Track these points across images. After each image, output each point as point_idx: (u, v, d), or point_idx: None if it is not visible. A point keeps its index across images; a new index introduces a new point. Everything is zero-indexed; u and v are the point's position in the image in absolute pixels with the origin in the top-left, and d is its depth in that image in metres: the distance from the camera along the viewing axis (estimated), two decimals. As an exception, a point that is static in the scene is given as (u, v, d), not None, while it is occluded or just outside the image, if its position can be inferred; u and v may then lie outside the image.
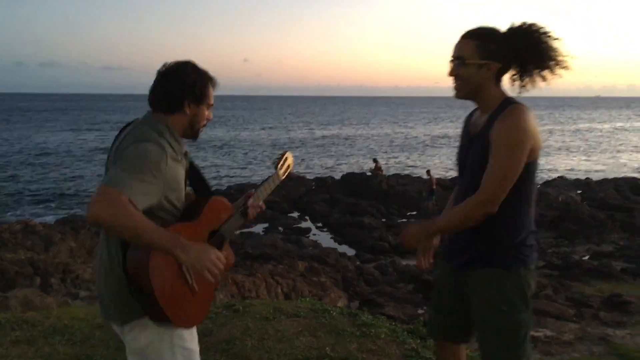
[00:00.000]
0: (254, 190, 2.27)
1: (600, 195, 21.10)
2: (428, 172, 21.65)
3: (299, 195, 21.96)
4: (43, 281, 9.67)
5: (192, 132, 2.04)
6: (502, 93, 2.11)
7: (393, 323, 3.99)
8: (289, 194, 21.93)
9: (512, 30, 2.06)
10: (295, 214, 20.14)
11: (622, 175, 28.70)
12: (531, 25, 2.05)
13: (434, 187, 20.43)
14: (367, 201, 20.24)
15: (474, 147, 2.11)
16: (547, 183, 25.21)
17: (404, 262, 13.44)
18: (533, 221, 2.15)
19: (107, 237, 1.93)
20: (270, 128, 68.55)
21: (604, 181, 24.94)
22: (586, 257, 14.04)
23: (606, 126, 76.99)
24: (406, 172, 29.31)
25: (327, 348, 3.41)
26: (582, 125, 78.01)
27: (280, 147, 43.06)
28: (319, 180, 24.56)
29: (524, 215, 2.11)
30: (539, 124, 2.04)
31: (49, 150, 40.79)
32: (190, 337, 2.02)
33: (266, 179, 2.32)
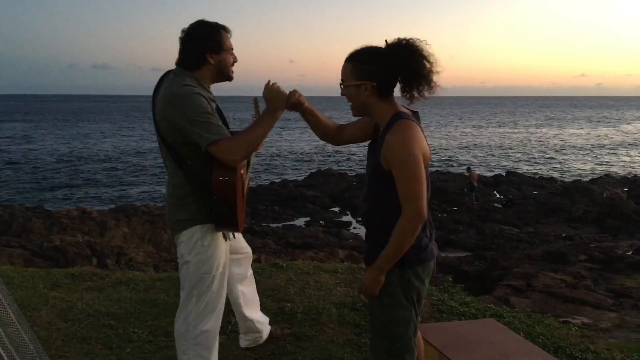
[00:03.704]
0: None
1: (648, 193, 20.72)
2: (469, 169, 21.70)
3: (340, 190, 22.32)
4: (99, 262, 10.35)
5: (224, 76, 2.50)
6: (392, 107, 2.15)
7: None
8: (330, 190, 22.32)
9: (391, 49, 2.11)
10: (337, 209, 20.50)
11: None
12: (409, 45, 2.10)
13: (475, 183, 20.47)
14: (407, 196, 20.41)
15: (370, 158, 2.20)
16: (593, 180, 24.83)
17: (442, 254, 13.65)
18: (427, 225, 2.17)
19: (175, 173, 2.45)
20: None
21: (653, 179, 24.40)
22: (629, 252, 13.88)
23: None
24: (448, 169, 29.35)
25: (362, 296, 3.77)
26: (634, 124, 75.77)
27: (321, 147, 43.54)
28: (360, 177, 24.87)
29: None
30: (425, 136, 2.11)
31: (109, 153, 42.57)
32: (209, 265, 2.48)
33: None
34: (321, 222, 18.51)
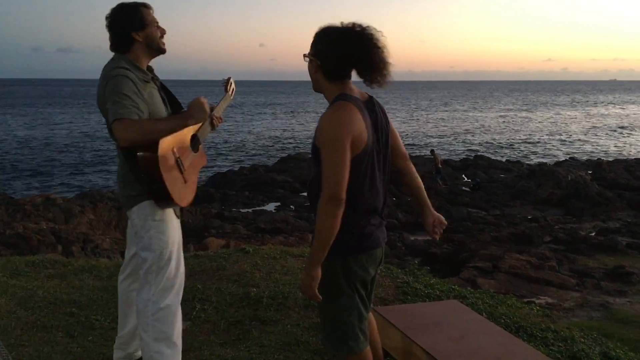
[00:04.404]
0: (215, 104, 2.77)
1: (611, 175, 21.21)
2: (432, 151, 21.87)
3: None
4: (65, 249, 10.16)
5: (155, 50, 2.54)
6: (339, 89, 2.10)
7: (390, 265, 4.35)
8: (300, 174, 22.29)
9: (340, 33, 2.06)
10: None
11: (633, 156, 28.79)
12: (362, 33, 2.05)
13: (439, 165, 20.65)
14: (377, 180, 20.55)
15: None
16: (558, 163, 25.35)
17: (412, 237, 13.80)
18: (368, 212, 2.12)
19: (119, 154, 2.49)
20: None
21: (616, 162, 25.01)
22: (592, 233, 14.23)
23: (618, 110, 76.37)
24: (421, 152, 29.62)
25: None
26: (598, 108, 77.46)
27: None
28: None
29: (347, 207, 2.02)
30: (361, 120, 2.02)
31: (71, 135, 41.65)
32: (164, 240, 2.48)
33: (222, 98, 2.85)
34: (292, 206, 18.48)
